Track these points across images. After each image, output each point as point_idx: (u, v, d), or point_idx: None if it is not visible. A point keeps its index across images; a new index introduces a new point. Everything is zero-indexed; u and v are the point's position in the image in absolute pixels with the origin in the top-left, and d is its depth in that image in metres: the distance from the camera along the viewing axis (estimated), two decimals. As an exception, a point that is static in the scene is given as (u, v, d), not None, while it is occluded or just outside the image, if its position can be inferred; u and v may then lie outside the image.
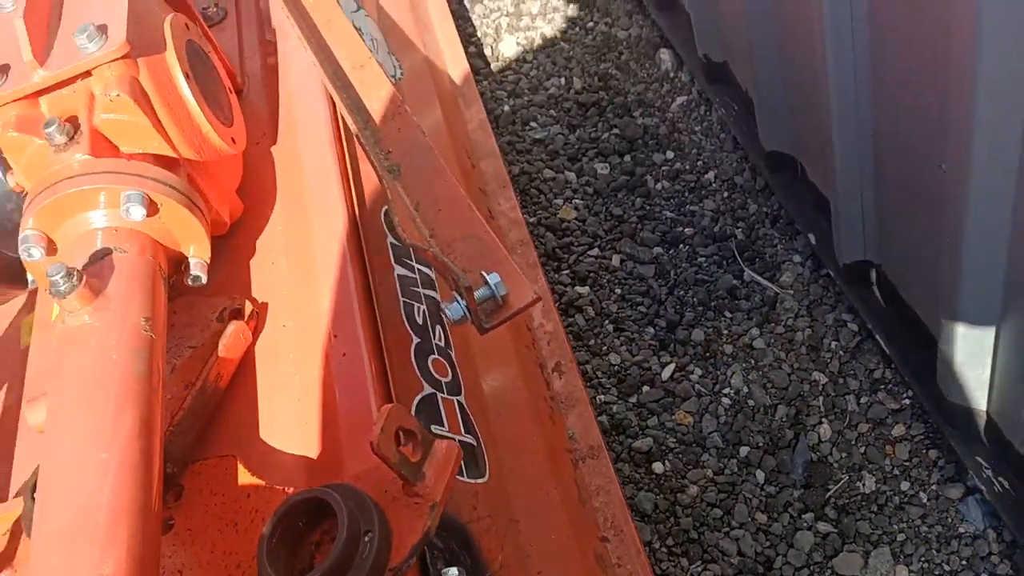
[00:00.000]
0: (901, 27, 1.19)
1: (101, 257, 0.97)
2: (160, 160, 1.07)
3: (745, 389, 1.59)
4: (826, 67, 1.34)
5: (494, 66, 2.48)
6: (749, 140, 1.81)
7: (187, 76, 1.12)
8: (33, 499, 0.92)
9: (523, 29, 2.57)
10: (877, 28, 1.24)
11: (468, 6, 2.70)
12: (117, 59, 1.03)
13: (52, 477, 0.80)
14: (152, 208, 1.01)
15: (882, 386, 1.55)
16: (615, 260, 1.85)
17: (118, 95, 1.02)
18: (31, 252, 1.00)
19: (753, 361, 1.63)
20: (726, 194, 1.90)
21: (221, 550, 0.90)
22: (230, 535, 0.91)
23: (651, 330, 1.71)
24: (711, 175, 1.95)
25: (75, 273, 0.90)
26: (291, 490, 0.91)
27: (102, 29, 1.03)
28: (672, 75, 2.22)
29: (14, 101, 1.04)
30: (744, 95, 1.82)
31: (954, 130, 1.09)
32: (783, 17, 1.51)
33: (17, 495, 1.16)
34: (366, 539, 0.78)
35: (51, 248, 1.01)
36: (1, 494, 1.35)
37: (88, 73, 1.04)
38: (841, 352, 1.60)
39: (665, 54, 2.26)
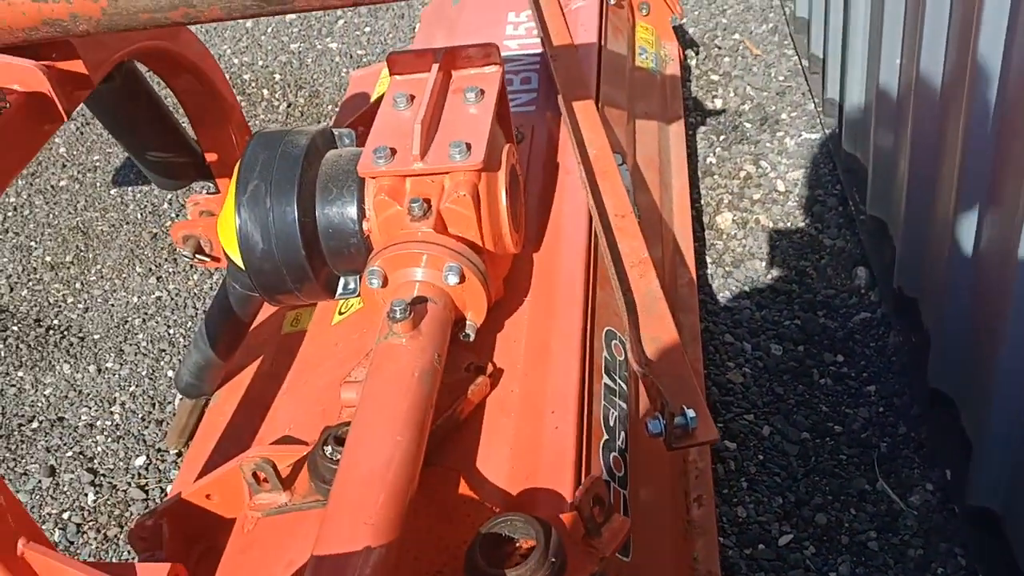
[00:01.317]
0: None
1: (420, 302, 1.31)
2: (471, 245, 1.41)
3: (849, 578, 1.76)
4: (1008, 335, 1.53)
5: (707, 233, 2.78)
6: (917, 372, 2.00)
7: (506, 192, 1.47)
8: (323, 451, 1.26)
9: (741, 209, 2.87)
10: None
11: (700, 176, 3.04)
12: (471, 170, 1.40)
13: (360, 441, 1.12)
14: (462, 279, 1.35)
15: (972, 621, 1.68)
16: (765, 430, 2.08)
17: (464, 194, 1.34)
18: (373, 281, 1.35)
19: (863, 558, 1.79)
20: (881, 409, 2.09)
21: (436, 533, 1.18)
22: (444, 525, 1.19)
23: (780, 500, 1.91)
24: (872, 388, 2.15)
25: (408, 308, 1.25)
26: (496, 509, 1.20)
27: (468, 146, 1.39)
28: (862, 291, 2.45)
29: (392, 175, 1.43)
30: (924, 333, 2.02)
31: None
32: (981, 280, 1.71)
33: (269, 443, 1.51)
34: (551, 562, 1.05)
35: (385, 283, 1.37)
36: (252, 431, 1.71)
37: (446, 172, 1.41)
38: (944, 579, 1.74)
39: (861, 272, 2.50)
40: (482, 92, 1.50)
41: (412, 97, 1.51)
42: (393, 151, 1.40)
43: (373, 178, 1.40)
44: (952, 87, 1.74)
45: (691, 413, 1.17)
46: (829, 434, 2.06)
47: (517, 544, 1.09)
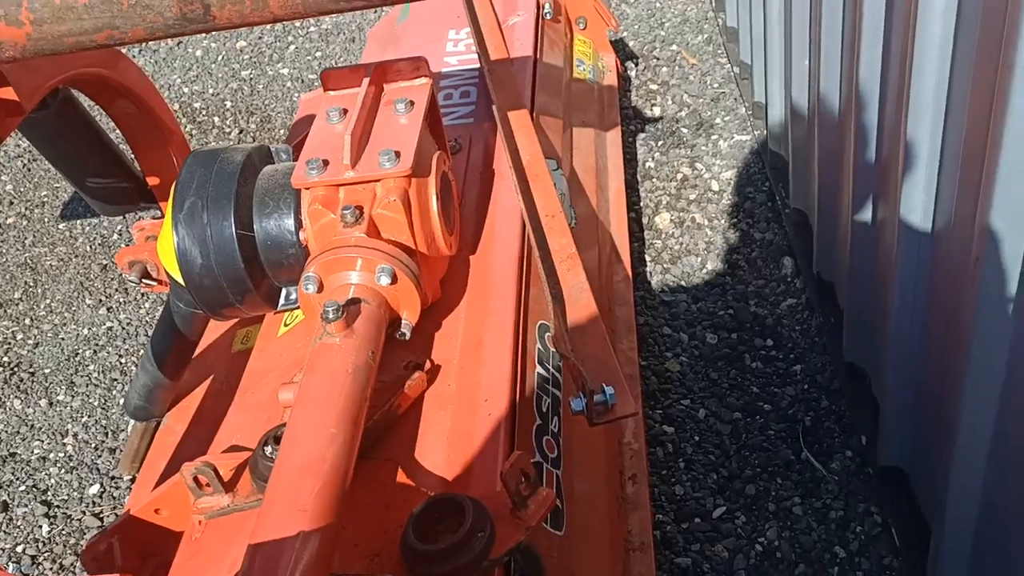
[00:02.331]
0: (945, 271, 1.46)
1: (354, 303, 1.35)
2: (404, 248, 1.45)
3: (776, 543, 1.82)
4: (893, 309, 1.63)
5: (647, 234, 2.86)
6: (834, 349, 2.10)
7: (437, 196, 1.51)
8: (263, 451, 1.28)
9: (678, 209, 2.95)
10: (938, 273, 1.53)
11: (639, 180, 3.11)
12: (400, 176, 1.44)
13: (295, 435, 1.15)
14: (394, 280, 1.39)
15: (888, 572, 1.76)
16: (701, 413, 2.14)
17: (394, 200, 1.38)
18: (308, 287, 1.38)
19: (789, 523, 1.86)
20: (806, 386, 2.17)
21: (374, 519, 1.21)
22: (382, 511, 1.22)
23: (714, 476, 1.97)
24: (798, 368, 2.23)
25: (341, 309, 1.28)
26: (431, 493, 1.24)
27: (397, 154, 1.44)
28: (789, 280, 2.53)
29: (325, 185, 1.47)
30: (839, 313, 2.12)
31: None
32: (875, 265, 1.81)
33: (230, 449, 1.53)
34: (479, 535, 1.09)
35: (320, 288, 1.40)
36: (202, 449, 1.72)
37: (377, 180, 1.46)
38: (862, 536, 1.81)
39: (788, 261, 2.58)
40: (411, 103, 1.54)
41: (345, 111, 1.54)
42: (326, 162, 1.43)
43: (307, 189, 1.43)
44: (847, 97, 1.83)
45: (610, 390, 1.22)
46: (759, 412, 2.13)
47: (449, 522, 1.12)
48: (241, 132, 3.81)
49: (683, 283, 2.61)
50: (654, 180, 3.11)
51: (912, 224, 1.46)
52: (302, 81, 4.11)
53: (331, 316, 1.25)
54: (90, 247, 3.22)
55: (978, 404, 1.27)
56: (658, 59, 3.81)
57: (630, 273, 2.25)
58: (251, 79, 4.15)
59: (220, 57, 4.34)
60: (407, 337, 1.43)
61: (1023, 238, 1.10)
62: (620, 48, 3.86)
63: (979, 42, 1.19)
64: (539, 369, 1.55)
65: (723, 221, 2.86)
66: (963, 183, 1.27)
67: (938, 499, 1.47)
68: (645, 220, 2.92)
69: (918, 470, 1.70)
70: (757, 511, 1.91)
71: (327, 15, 1.30)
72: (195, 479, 1.29)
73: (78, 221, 3.36)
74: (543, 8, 2.79)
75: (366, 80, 1.56)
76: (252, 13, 1.15)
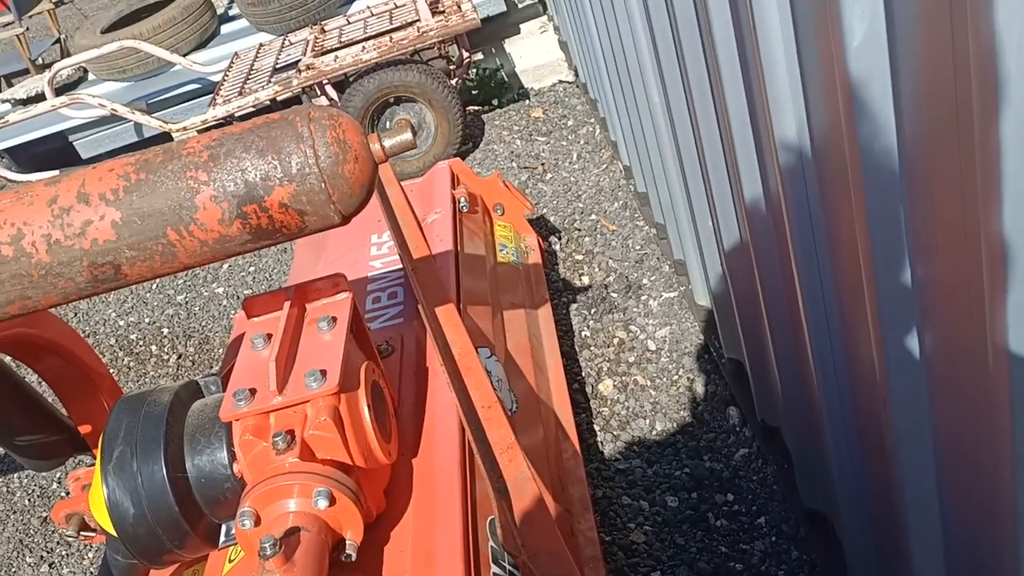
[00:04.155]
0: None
1: (293, 533, 1.32)
2: (340, 465, 1.44)
3: None
4: (828, 448, 1.65)
5: (592, 403, 2.88)
6: (792, 495, 2.09)
7: (369, 408, 1.52)
8: None
9: (620, 374, 3.00)
10: (860, 414, 1.56)
11: (577, 350, 3.17)
12: (329, 395, 1.45)
13: None
14: (332, 501, 1.37)
15: None
16: (674, 584, 2.09)
17: (325, 419, 1.39)
18: (245, 523, 1.35)
19: None
20: (774, 538, 2.14)
21: None
22: None
23: (698, 651, 1.90)
24: (763, 520, 2.20)
25: (278, 543, 1.25)
26: None
27: (323, 373, 1.46)
28: (738, 430, 2.55)
29: (254, 415, 1.47)
30: (790, 456, 2.13)
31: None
32: (807, 408, 1.85)
33: None
34: None
35: (258, 521, 1.37)
36: None
37: (306, 401, 1.47)
38: None
39: (733, 411, 2.61)
40: (334, 319, 1.57)
41: (269, 335, 1.57)
42: (253, 391, 1.43)
43: (237, 420, 1.43)
44: (748, 252, 1.94)
45: (565, 587, 1.20)
46: (732, 573, 2.08)
47: None
48: (180, 357, 3.81)
49: (635, 448, 2.60)
50: (592, 348, 3.17)
51: (825, 368, 1.51)
52: (238, 298, 4.17)
53: (268, 552, 1.22)
54: (29, 500, 3.10)
55: (924, 536, 1.27)
56: (580, 230, 3.98)
57: (578, 448, 2.25)
58: (187, 303, 4.19)
59: (154, 285, 4.39)
60: (353, 558, 1.39)
61: (921, 379, 1.15)
62: (542, 224, 4.05)
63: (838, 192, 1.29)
64: (494, 568, 1.51)
65: (665, 379, 2.91)
66: (857, 327, 1.33)
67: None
68: (589, 389, 2.95)
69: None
70: None
71: (233, 257, 1.35)
72: None
73: (15, 475, 3.25)
74: (459, 202, 2.94)
75: (287, 303, 1.60)
76: (163, 266, 1.19)
